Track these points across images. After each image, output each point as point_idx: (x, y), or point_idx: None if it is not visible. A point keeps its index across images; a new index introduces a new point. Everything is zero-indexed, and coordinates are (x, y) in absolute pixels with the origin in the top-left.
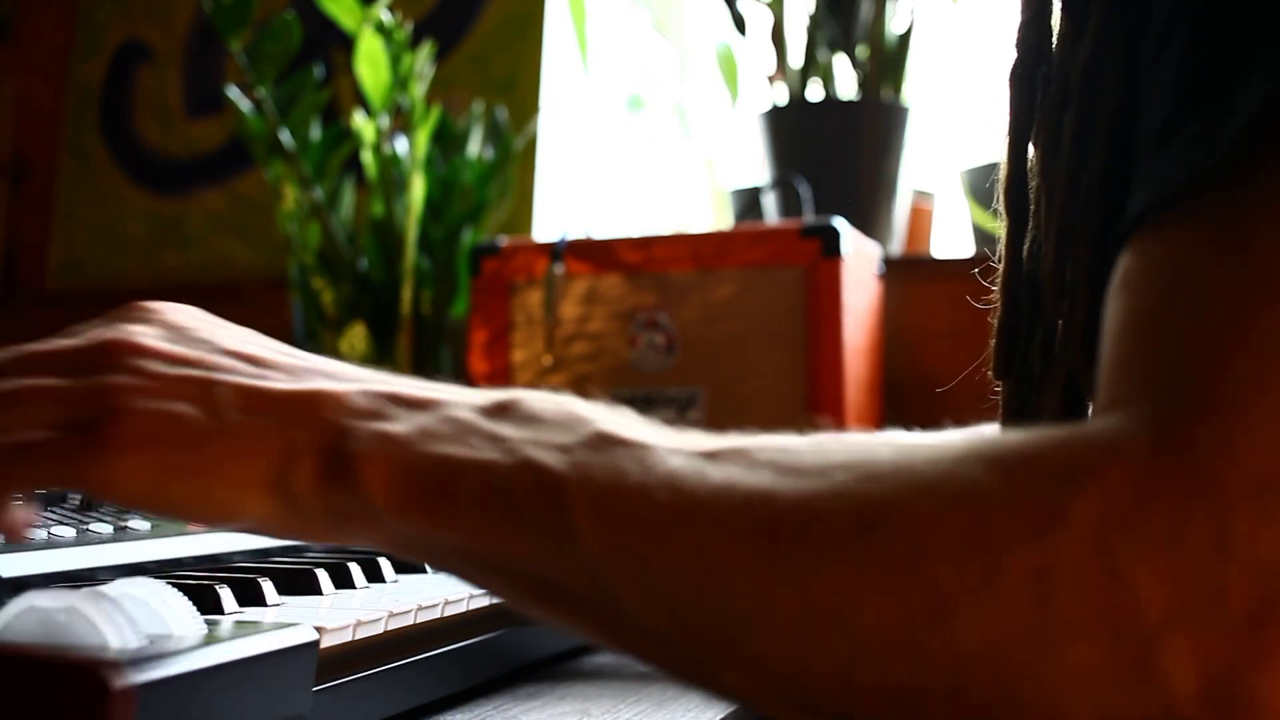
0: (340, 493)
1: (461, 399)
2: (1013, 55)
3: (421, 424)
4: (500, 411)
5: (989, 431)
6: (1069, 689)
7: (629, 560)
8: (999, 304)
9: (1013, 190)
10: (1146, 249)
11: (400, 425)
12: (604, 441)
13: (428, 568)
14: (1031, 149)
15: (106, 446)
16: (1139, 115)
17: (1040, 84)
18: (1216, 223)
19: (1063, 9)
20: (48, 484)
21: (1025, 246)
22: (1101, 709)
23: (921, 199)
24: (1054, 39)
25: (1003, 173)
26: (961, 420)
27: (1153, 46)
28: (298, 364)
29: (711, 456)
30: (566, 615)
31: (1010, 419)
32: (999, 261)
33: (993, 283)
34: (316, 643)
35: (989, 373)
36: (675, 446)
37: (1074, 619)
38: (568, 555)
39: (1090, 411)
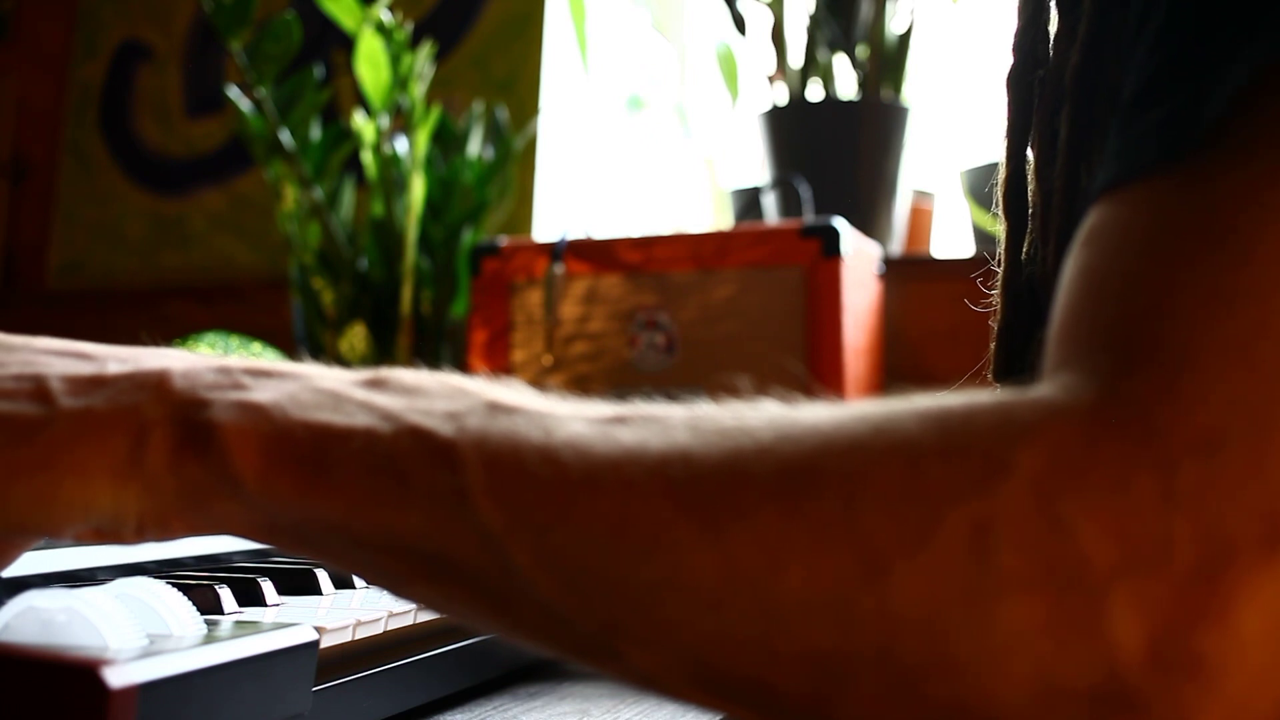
0: (200, 469)
1: (326, 372)
2: (1009, 59)
3: (288, 391)
4: (375, 384)
5: (926, 396)
6: (1007, 648)
7: (529, 527)
8: (999, 306)
9: (1011, 193)
10: (1102, 209)
11: (264, 394)
12: (498, 409)
13: None
14: (1030, 152)
15: None
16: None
17: (1037, 87)
18: (1180, 187)
19: (1057, 13)
20: None
21: (1024, 249)
22: (1040, 669)
23: (921, 199)
24: (1049, 43)
25: (1001, 176)
26: None
27: (1134, 23)
28: (130, 353)
29: (620, 421)
30: (456, 595)
31: None
32: (998, 264)
33: (992, 286)
34: (316, 643)
35: (989, 375)
36: (575, 413)
37: (1014, 574)
38: (459, 524)
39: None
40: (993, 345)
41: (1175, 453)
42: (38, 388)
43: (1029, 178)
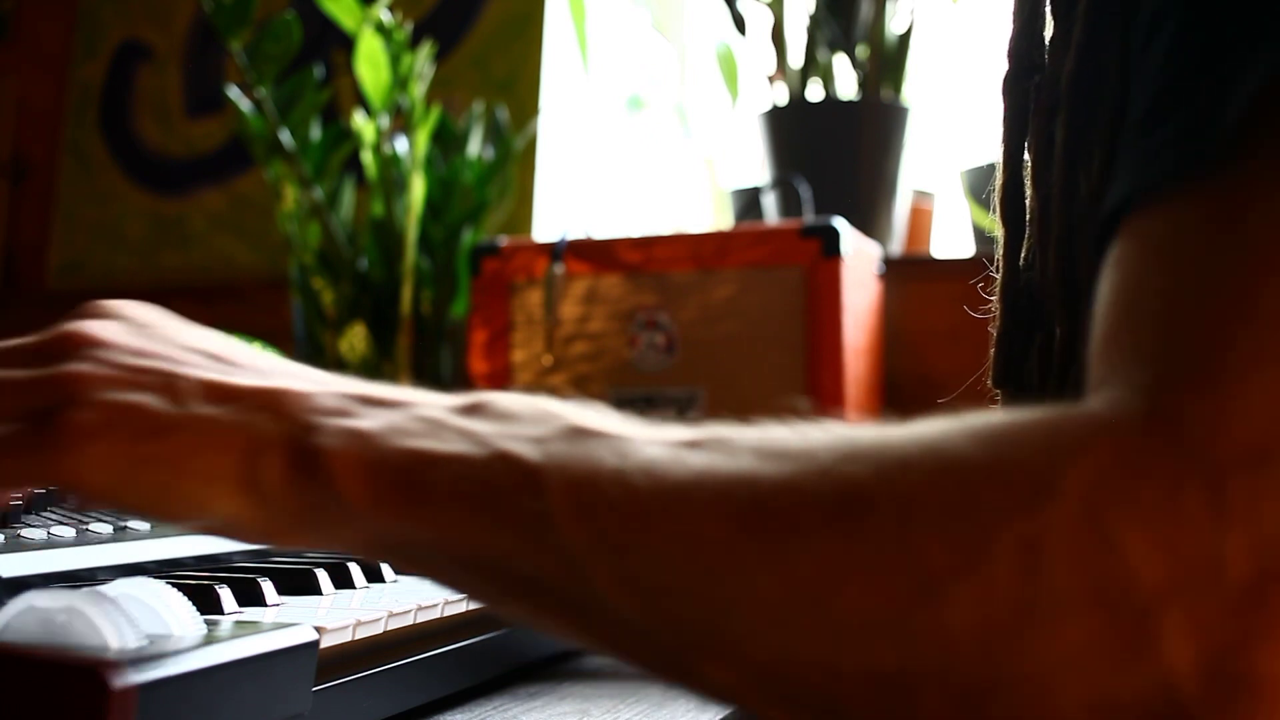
0: (311, 489)
1: (430, 399)
2: (1004, 64)
3: (391, 421)
4: (471, 410)
5: (976, 414)
6: (1061, 667)
7: (607, 549)
8: (997, 312)
9: (1008, 199)
10: (1137, 229)
11: (369, 422)
12: (578, 433)
13: None
14: (1026, 157)
15: (69, 435)
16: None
17: (1032, 93)
18: (1208, 200)
19: (1052, 18)
20: (12, 478)
21: (1022, 255)
22: (1095, 687)
23: (921, 199)
24: (1045, 48)
25: (998, 182)
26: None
27: (1141, 36)
28: (261, 363)
29: (690, 445)
30: (544, 612)
31: None
32: (997, 270)
33: (991, 291)
34: (316, 643)
35: (988, 381)
36: (651, 437)
37: (1066, 593)
38: (545, 547)
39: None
40: (992, 351)
41: (1224, 470)
42: (172, 385)
43: (1026, 183)
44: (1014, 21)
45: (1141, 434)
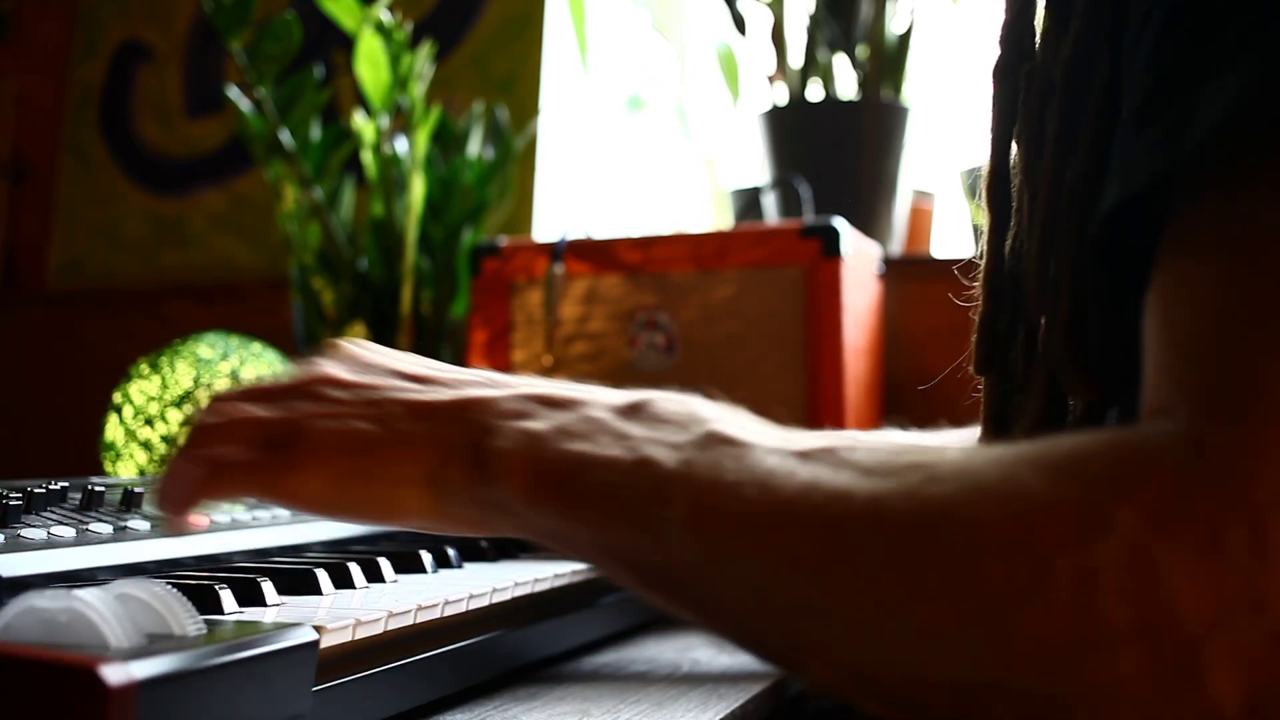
0: (484, 486)
1: (601, 399)
2: (996, 52)
3: (561, 422)
4: (632, 411)
5: (1048, 439)
6: (1114, 694)
7: (720, 555)
8: (981, 300)
9: (995, 187)
10: (1169, 262)
11: (542, 423)
12: (713, 440)
13: (427, 568)
14: (1015, 146)
15: (295, 461)
16: (1121, 110)
17: (1023, 81)
18: (1228, 232)
19: (1045, 7)
20: (246, 495)
21: (1007, 243)
22: (1145, 713)
23: (921, 199)
24: (1037, 37)
25: (985, 169)
26: (958, 420)
27: (1133, 29)
28: (460, 377)
29: (804, 455)
30: (674, 601)
31: (991, 416)
32: (980, 257)
33: (975, 279)
34: (316, 643)
35: (970, 368)
36: (774, 446)
37: (1117, 624)
38: (671, 549)
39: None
40: (974, 338)
41: (1264, 507)
42: (380, 411)
43: (1012, 171)
44: (1006, 10)
45: (1184, 471)
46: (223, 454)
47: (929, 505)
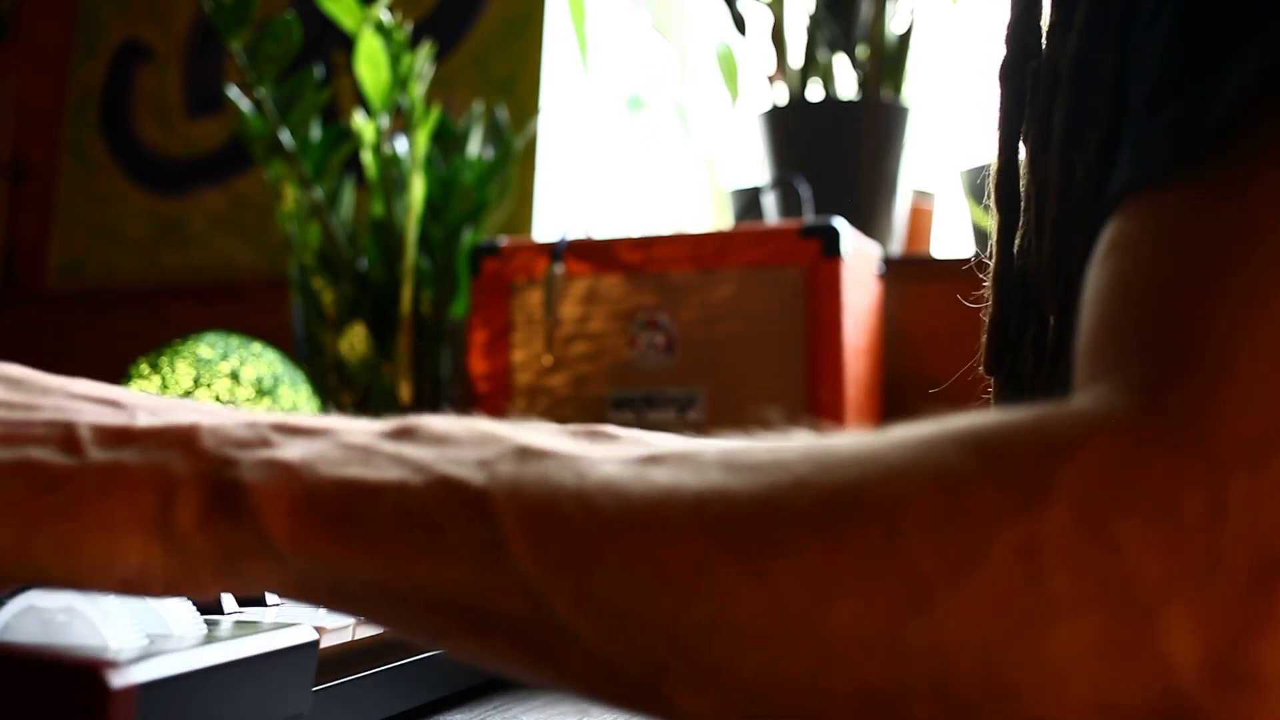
0: (231, 529)
1: (354, 425)
2: (1002, 51)
3: (315, 449)
4: (402, 434)
5: (958, 419)
6: (1063, 671)
7: (569, 574)
8: (990, 299)
9: (1003, 187)
10: (1130, 215)
11: (291, 451)
12: (528, 454)
13: None
14: (1022, 144)
15: None
16: (1129, 103)
17: (1030, 78)
18: (1201, 186)
19: (1051, 4)
20: None
21: (1016, 242)
22: (1099, 689)
23: (921, 199)
24: (1043, 34)
25: (993, 168)
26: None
27: (1144, 19)
28: (158, 403)
29: (651, 460)
30: (499, 647)
31: None
32: (989, 257)
33: (984, 279)
34: (316, 643)
35: (981, 369)
36: (606, 455)
37: (1065, 596)
38: (498, 575)
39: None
40: (984, 338)
41: (1222, 462)
42: (67, 435)
43: (1021, 169)
44: (1012, 7)
45: (1137, 429)
46: None
47: (832, 493)
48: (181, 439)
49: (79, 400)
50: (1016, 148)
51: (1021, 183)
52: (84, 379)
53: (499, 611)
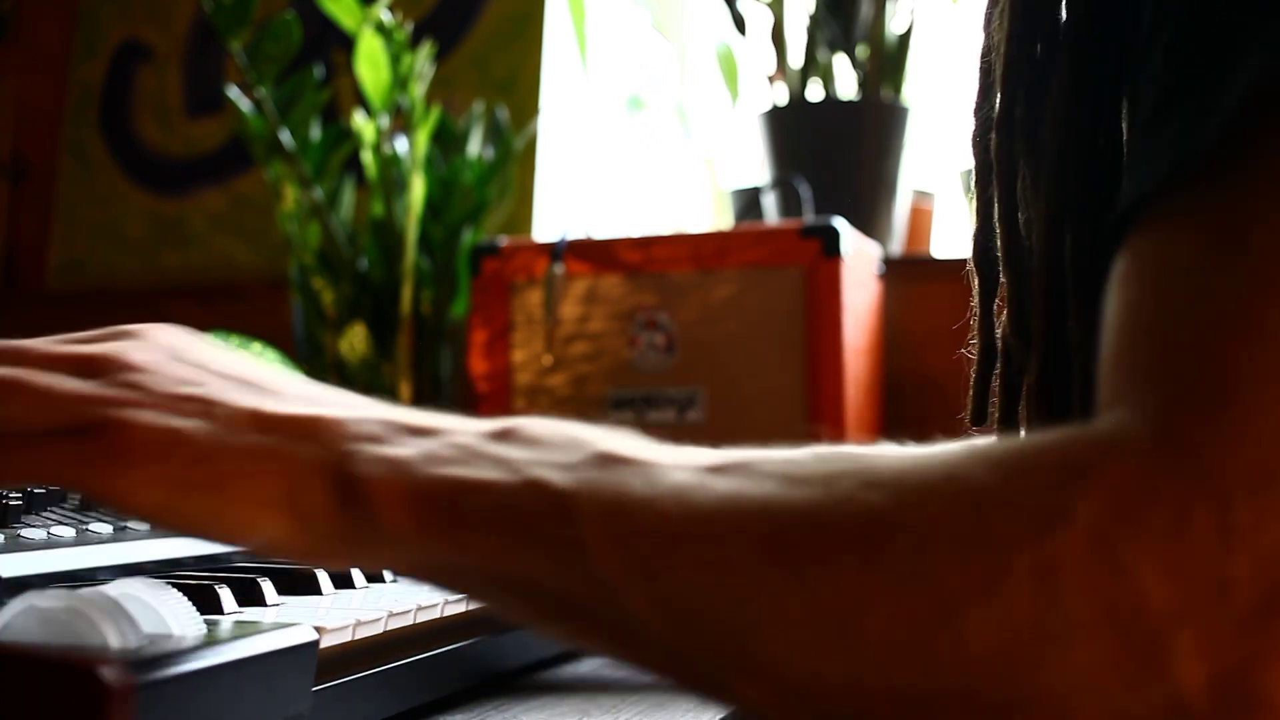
0: (351, 516)
1: (464, 426)
2: (970, 123)
3: (426, 448)
4: (503, 436)
5: (991, 440)
6: (1077, 688)
7: (639, 573)
8: (976, 355)
9: (981, 248)
10: (1141, 244)
11: (405, 449)
12: (607, 460)
13: None
14: (996, 207)
15: (116, 456)
16: (1070, 171)
17: (995, 150)
18: (1210, 214)
19: (1001, 88)
20: (52, 483)
21: (995, 301)
22: (1110, 707)
23: (921, 199)
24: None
25: (971, 230)
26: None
27: (1141, 42)
28: (296, 390)
29: (716, 470)
30: (580, 630)
31: None
32: (973, 314)
33: (972, 337)
34: (316, 643)
35: (967, 421)
36: (678, 462)
37: (1080, 617)
38: (578, 572)
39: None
40: (970, 393)
41: (1230, 492)
42: (209, 411)
43: (997, 232)
44: (976, 86)
45: (1149, 458)
46: (12, 427)
47: (869, 509)
48: (309, 430)
49: (228, 380)
50: (991, 213)
51: (998, 245)
52: (232, 357)
53: (581, 603)
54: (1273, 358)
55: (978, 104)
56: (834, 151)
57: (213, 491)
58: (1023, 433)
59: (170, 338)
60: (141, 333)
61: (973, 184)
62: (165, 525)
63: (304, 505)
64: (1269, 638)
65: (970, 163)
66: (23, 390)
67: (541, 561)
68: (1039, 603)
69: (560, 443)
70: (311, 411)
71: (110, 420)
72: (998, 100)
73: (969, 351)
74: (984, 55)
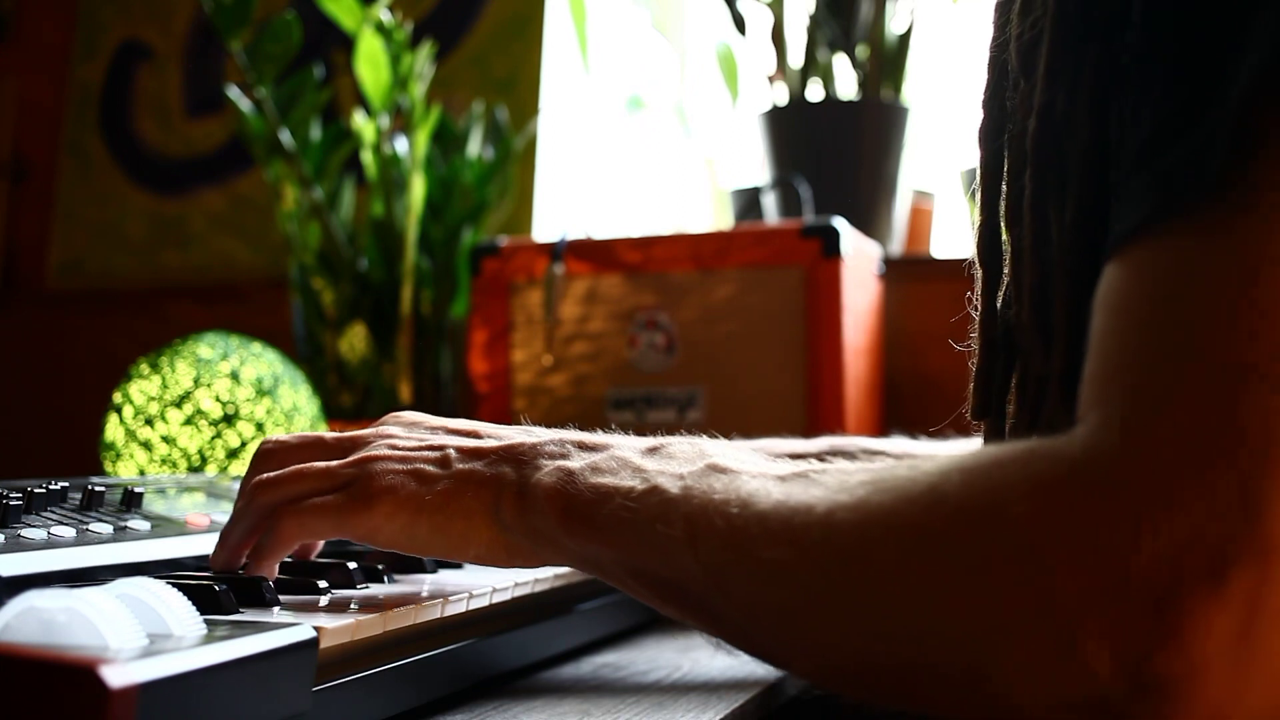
0: (531, 517)
1: (629, 442)
2: (980, 116)
3: (592, 460)
4: (653, 450)
5: (975, 449)
6: (1021, 668)
7: (713, 568)
8: (976, 352)
9: (985, 244)
10: (1112, 271)
11: (575, 461)
12: (712, 470)
13: (427, 567)
14: (1002, 208)
15: (367, 499)
16: (1105, 163)
17: (1005, 146)
18: (1165, 246)
19: (1021, 77)
20: (325, 535)
21: (999, 296)
22: (1047, 688)
23: (921, 199)
24: (1011, 103)
25: (975, 226)
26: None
27: (1130, 78)
28: (504, 431)
29: (781, 478)
30: (686, 613)
31: None
32: (975, 310)
33: (972, 329)
34: (316, 642)
35: (969, 416)
36: (758, 472)
37: (1011, 610)
38: (676, 564)
39: None
40: (971, 388)
41: (1139, 496)
42: (442, 455)
43: (1002, 228)
44: (986, 77)
45: (1079, 467)
46: (294, 494)
47: (871, 514)
48: (508, 453)
49: (451, 434)
50: (997, 208)
51: (1003, 241)
52: (458, 419)
53: (681, 590)
54: (1185, 376)
55: (987, 96)
56: (834, 151)
57: (437, 511)
58: (1033, 427)
59: (410, 415)
60: (384, 420)
61: (978, 178)
62: (408, 550)
63: (502, 514)
64: (1167, 629)
65: (975, 157)
66: (296, 474)
67: (652, 556)
68: (977, 597)
69: (689, 455)
70: (509, 441)
71: (359, 475)
72: (1037, 92)
73: (969, 347)
74: (996, 47)
